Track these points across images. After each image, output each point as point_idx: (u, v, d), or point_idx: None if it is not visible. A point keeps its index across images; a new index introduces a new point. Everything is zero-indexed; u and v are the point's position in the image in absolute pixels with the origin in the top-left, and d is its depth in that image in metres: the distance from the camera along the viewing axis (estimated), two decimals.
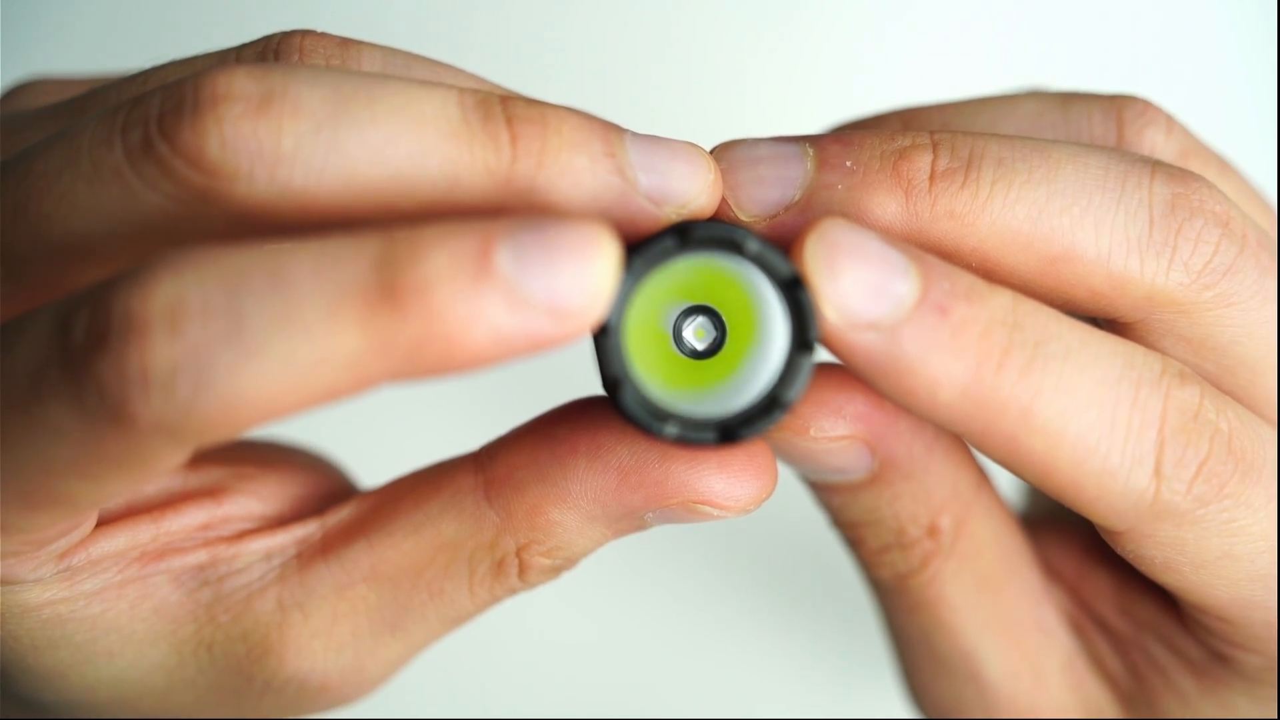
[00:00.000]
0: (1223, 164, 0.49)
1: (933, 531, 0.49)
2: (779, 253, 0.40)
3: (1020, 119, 0.49)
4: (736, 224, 0.43)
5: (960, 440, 0.49)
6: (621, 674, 0.80)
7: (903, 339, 0.41)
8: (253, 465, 0.47)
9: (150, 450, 0.38)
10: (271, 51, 0.44)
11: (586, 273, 0.37)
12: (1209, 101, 0.72)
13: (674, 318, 0.43)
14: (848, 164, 0.43)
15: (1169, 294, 0.44)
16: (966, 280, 0.41)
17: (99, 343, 0.37)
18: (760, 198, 0.44)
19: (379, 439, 0.67)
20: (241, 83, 0.39)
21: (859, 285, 0.40)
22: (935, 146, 0.43)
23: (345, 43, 0.44)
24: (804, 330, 0.40)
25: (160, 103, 0.40)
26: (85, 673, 0.45)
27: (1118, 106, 0.48)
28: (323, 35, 0.44)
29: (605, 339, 0.40)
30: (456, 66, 0.45)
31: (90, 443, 0.38)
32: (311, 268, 0.37)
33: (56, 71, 0.57)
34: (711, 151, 0.44)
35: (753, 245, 0.40)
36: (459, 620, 0.46)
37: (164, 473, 0.40)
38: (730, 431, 0.41)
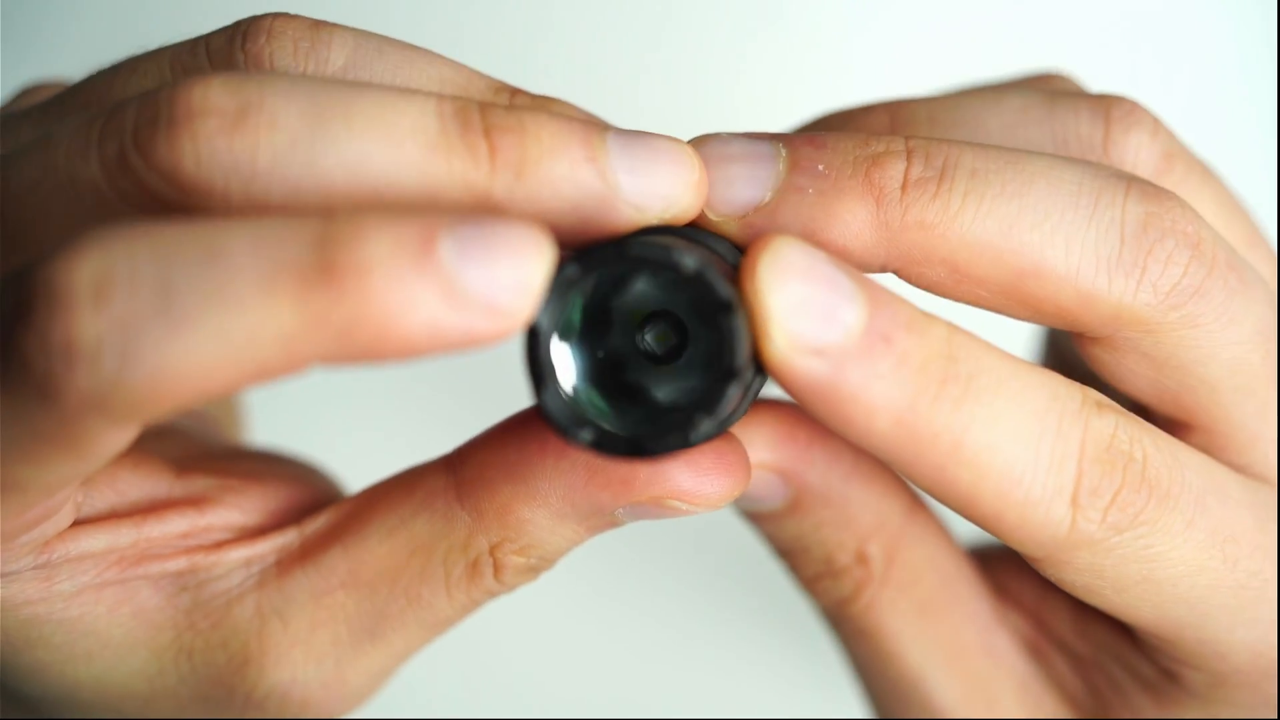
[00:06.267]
0: (1205, 171, 0.49)
1: (861, 559, 0.50)
2: (719, 278, 0.39)
3: (1005, 114, 0.48)
4: (707, 227, 0.43)
5: (883, 469, 0.50)
6: (613, 675, 0.80)
7: (847, 366, 0.40)
8: (239, 477, 0.47)
9: (83, 427, 0.38)
10: (240, 36, 0.43)
11: (522, 271, 0.36)
12: (1209, 101, 0.72)
13: (637, 321, 0.42)
14: (820, 167, 0.43)
15: (1135, 313, 0.43)
16: (908, 309, 0.41)
17: (22, 316, 0.37)
18: (731, 198, 0.43)
19: (359, 447, 0.67)
20: (217, 95, 0.39)
21: (810, 310, 0.39)
22: (909, 154, 0.43)
23: (316, 25, 0.44)
24: (729, 356, 0.39)
25: (135, 115, 0.40)
26: (65, 672, 0.45)
27: (1105, 106, 0.48)
28: (293, 17, 0.44)
29: (533, 340, 0.39)
30: (431, 50, 0.44)
31: (20, 421, 0.38)
32: (248, 243, 0.36)
33: (58, 75, 0.58)
34: None
35: (689, 266, 0.39)
36: (439, 626, 0.46)
37: (107, 453, 0.39)
38: (640, 447, 0.40)
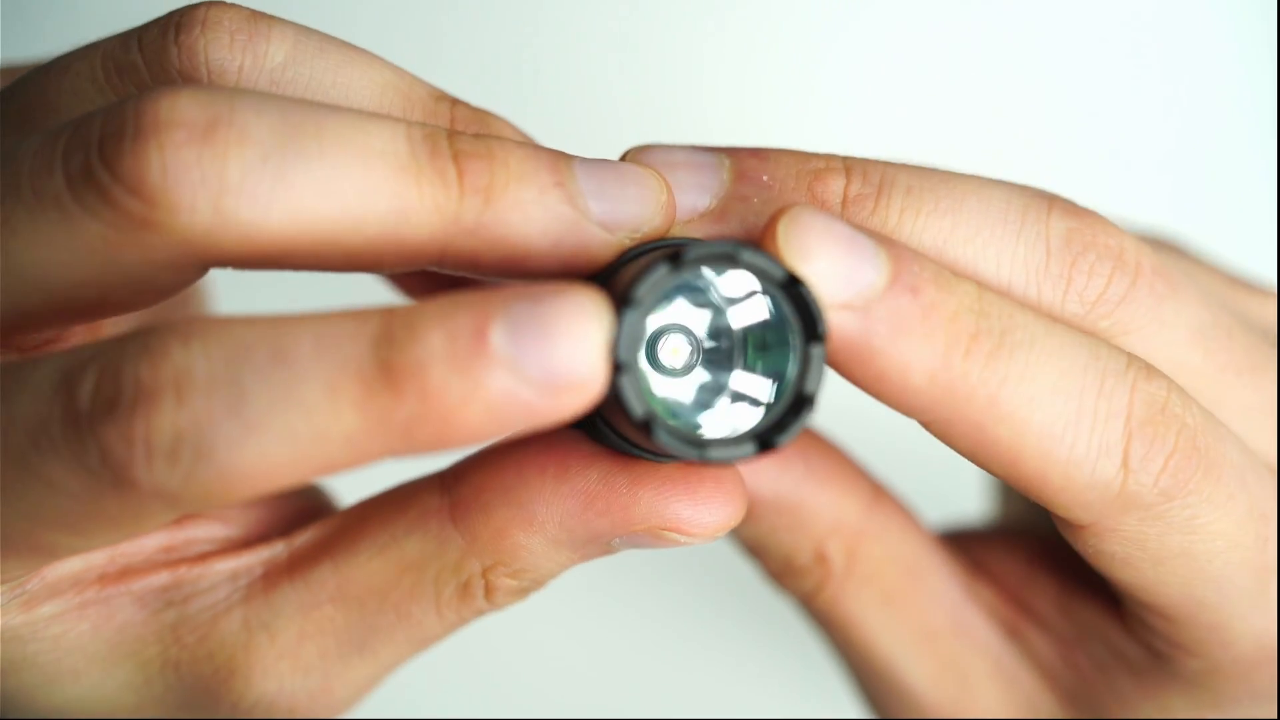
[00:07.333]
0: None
1: (820, 558, 0.51)
2: (771, 258, 0.40)
3: None
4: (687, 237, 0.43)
5: (840, 469, 0.50)
6: (605, 671, 0.80)
7: (875, 319, 0.41)
8: None
9: (146, 513, 0.38)
10: (173, 27, 0.42)
11: (581, 344, 0.37)
12: (1209, 101, 0.71)
13: (647, 337, 0.42)
14: (764, 178, 0.44)
15: (1066, 324, 0.44)
16: (933, 265, 0.42)
17: (108, 408, 0.37)
18: (677, 203, 0.44)
19: None
20: (185, 107, 0.38)
21: (833, 267, 0.41)
22: (848, 171, 0.44)
23: (254, 17, 0.43)
24: (813, 323, 0.40)
25: (101, 127, 0.39)
26: (52, 693, 0.45)
27: None
28: (229, 7, 0.43)
29: (625, 379, 0.39)
30: (372, 53, 0.44)
31: (87, 502, 0.38)
32: (312, 344, 0.37)
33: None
34: (624, 155, 0.44)
35: (747, 255, 0.40)
36: (427, 641, 0.46)
37: (154, 531, 0.40)
38: (767, 439, 0.40)
